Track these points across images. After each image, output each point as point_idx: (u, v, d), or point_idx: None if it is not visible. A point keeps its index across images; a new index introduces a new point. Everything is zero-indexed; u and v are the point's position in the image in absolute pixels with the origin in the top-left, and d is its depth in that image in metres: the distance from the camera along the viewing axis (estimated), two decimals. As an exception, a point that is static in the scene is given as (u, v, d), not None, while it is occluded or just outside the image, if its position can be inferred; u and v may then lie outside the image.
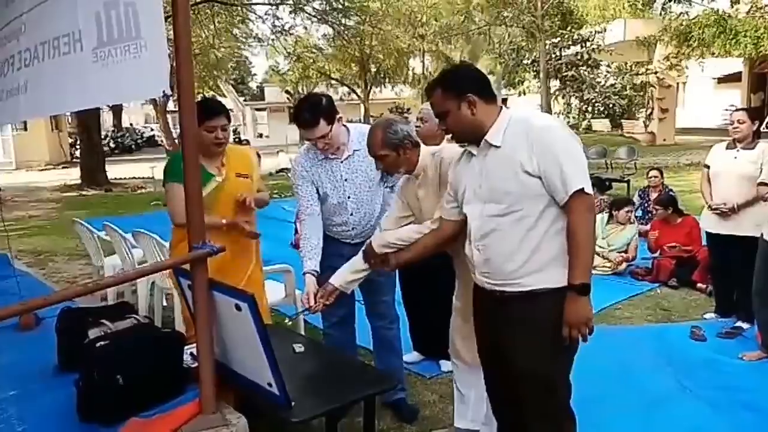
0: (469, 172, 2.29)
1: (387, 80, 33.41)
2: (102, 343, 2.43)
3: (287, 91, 35.71)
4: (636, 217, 7.67)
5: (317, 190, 3.13)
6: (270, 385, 2.30)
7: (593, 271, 5.75)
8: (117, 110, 36.96)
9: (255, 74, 50.16)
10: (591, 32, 18.68)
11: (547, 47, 17.12)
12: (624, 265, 6.09)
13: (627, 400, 3.48)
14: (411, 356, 4.02)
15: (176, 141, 28.96)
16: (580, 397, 2.37)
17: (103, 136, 32.40)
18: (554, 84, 17.58)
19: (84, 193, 15.45)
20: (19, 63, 2.73)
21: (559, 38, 17.08)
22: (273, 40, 23.46)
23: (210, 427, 2.29)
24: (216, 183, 3.10)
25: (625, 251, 6.18)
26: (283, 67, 34.35)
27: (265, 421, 2.55)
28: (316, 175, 3.11)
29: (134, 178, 18.20)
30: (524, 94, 21.65)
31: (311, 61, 30.58)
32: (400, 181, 2.90)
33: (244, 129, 39.25)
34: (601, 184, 7.51)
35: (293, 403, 2.26)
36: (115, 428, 2.27)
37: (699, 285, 5.47)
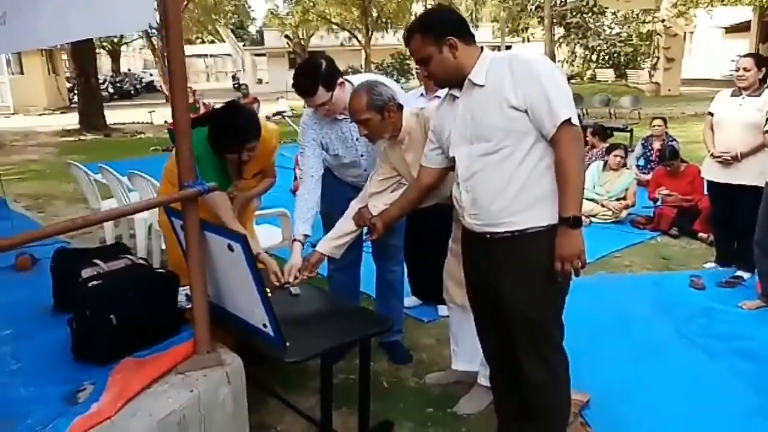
0: (453, 114, 2.23)
1: (389, 25, 32.76)
2: (95, 282, 2.39)
3: (287, 36, 35.07)
4: (638, 166, 7.62)
5: (327, 150, 3.04)
6: (264, 326, 2.28)
7: (594, 219, 5.93)
8: (115, 55, 36.50)
9: (255, 18, 49.20)
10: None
11: (552, -8, 16.74)
12: (625, 212, 6.06)
13: (622, 348, 3.49)
14: (409, 301, 4.02)
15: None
16: (575, 345, 2.36)
17: (101, 81, 32.14)
18: (559, 31, 17.19)
19: (82, 137, 15.33)
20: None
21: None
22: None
23: (204, 366, 2.27)
24: (233, 187, 3.01)
25: (624, 197, 6.14)
26: (282, 10, 33.68)
27: (262, 363, 2.55)
28: (326, 137, 3.01)
29: (133, 123, 18.03)
30: (528, 41, 21.23)
31: (311, 4, 29.93)
32: (382, 146, 2.80)
33: (243, 75, 38.69)
34: (602, 132, 7.41)
35: (288, 344, 2.25)
36: (109, 368, 2.25)
37: (700, 234, 5.46)
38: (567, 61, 17.14)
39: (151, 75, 37.29)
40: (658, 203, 5.97)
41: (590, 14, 18.53)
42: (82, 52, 16.32)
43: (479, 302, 2.42)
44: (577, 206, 2.05)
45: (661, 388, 3.08)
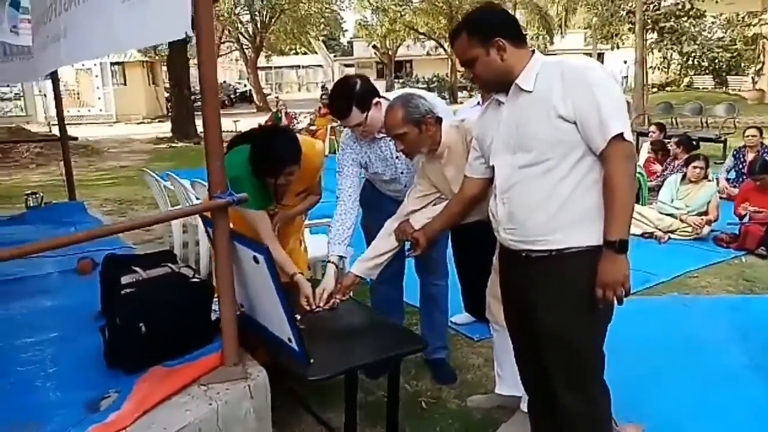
0: (497, 120, 2.10)
1: (475, 34, 32.41)
2: (128, 290, 2.43)
3: (374, 46, 35.50)
4: (728, 179, 7.13)
5: (366, 168, 2.99)
6: (290, 340, 2.24)
7: (672, 236, 5.57)
8: (211, 66, 38.02)
9: (346, 30, 50.07)
10: (695, -21, 17.31)
11: (645, -4, 16.01)
12: (707, 229, 5.66)
13: (689, 376, 3.22)
14: (461, 317, 3.90)
15: (266, 98, 29.62)
16: (637, 370, 2.17)
17: (197, 92, 33.61)
18: (651, 37, 16.41)
19: (173, 145, 16.05)
20: (60, 7, 2.74)
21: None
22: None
23: (228, 379, 2.25)
24: (274, 207, 2.99)
25: (706, 212, 5.73)
26: (370, 21, 34.08)
27: (292, 376, 2.51)
28: (365, 156, 2.95)
29: (223, 131, 18.63)
30: (617, 47, 20.45)
31: (398, 14, 30.13)
32: (418, 160, 2.69)
33: (331, 86, 39.42)
34: (687, 143, 6.95)
35: (312, 360, 2.20)
36: (137, 376, 2.27)
37: (791, 255, 5.00)
38: (659, 68, 16.32)
39: (245, 85, 38.67)
40: (745, 220, 5.53)
41: (686, 18, 17.61)
42: (177, 64, 17.12)
43: (515, 324, 2.28)
44: (624, 229, 1.88)
45: (724, 423, 2.81)
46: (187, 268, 2.97)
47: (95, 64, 25.11)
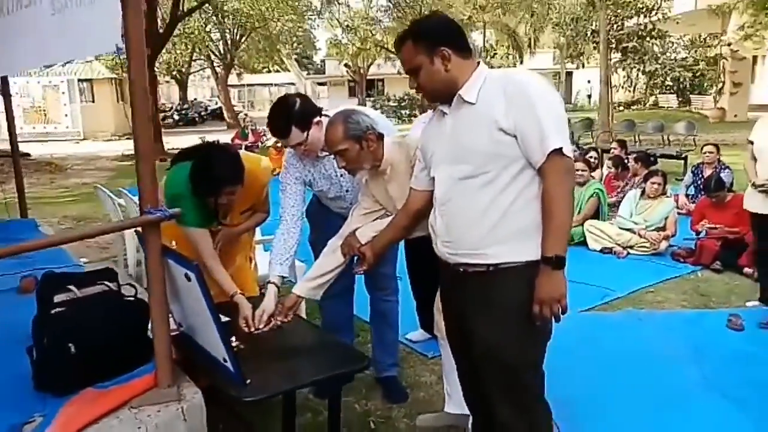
0: (439, 132, 2.07)
1: (445, 52, 32.72)
2: (58, 309, 2.34)
3: (346, 65, 35.61)
4: (687, 195, 7.23)
5: (311, 186, 2.95)
6: (225, 360, 2.17)
7: (631, 251, 5.59)
8: (182, 83, 37.83)
9: (320, 48, 50.20)
10: (657, 1, 17.68)
11: (608, 17, 16.27)
12: (664, 244, 5.70)
13: (641, 393, 3.19)
14: (416, 334, 3.84)
15: (237, 115, 29.46)
16: (588, 386, 2.13)
17: (168, 109, 33.33)
18: (615, 56, 16.72)
19: (139, 162, 15.78)
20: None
21: (620, 8, 16.22)
22: (324, 11, 23.31)
23: (160, 401, 2.17)
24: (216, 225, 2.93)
25: (664, 227, 5.77)
26: (341, 39, 34.24)
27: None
28: (309, 174, 2.90)
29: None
30: (582, 66, 20.79)
31: (369, 33, 30.28)
32: (361, 177, 2.65)
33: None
34: (645, 159, 7.03)
35: (248, 381, 2.13)
36: (66, 399, 2.17)
37: (746, 270, 5.06)
38: (623, 86, 16.58)
39: (216, 103, 38.49)
40: (702, 235, 5.59)
41: (649, 39, 17.99)
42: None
43: (454, 340, 2.24)
44: (561, 245, 1.86)
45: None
46: (129, 287, 2.88)
47: (62, 81, 24.78)
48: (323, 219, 3.06)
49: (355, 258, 2.64)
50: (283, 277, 2.74)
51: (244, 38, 29.55)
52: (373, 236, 2.52)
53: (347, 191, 2.92)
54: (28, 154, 6.42)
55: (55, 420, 2.05)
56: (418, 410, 3.04)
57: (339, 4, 24.12)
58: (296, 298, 2.61)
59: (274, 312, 2.58)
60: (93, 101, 26.59)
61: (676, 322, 4.15)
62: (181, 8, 16.46)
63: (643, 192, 6.10)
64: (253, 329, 2.55)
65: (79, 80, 25.83)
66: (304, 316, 3.78)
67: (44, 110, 25.29)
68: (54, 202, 9.94)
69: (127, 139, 23.85)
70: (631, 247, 5.75)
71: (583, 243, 6.02)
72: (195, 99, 43.27)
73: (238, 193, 2.74)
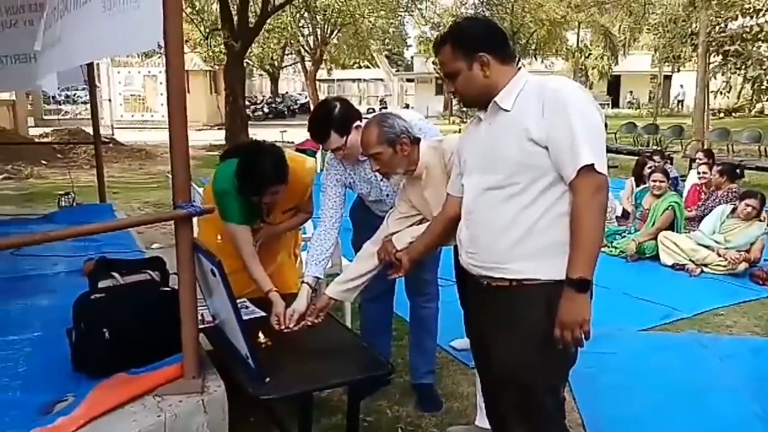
0: (474, 139, 2.02)
1: (538, 52, 32.04)
2: (97, 295, 2.44)
3: (434, 62, 35.49)
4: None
5: (352, 189, 2.95)
6: (247, 356, 2.20)
7: (705, 269, 5.25)
8: (274, 77, 38.90)
9: (411, 45, 50.24)
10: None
11: (709, 18, 15.37)
12: (743, 265, 5.30)
13: (690, 422, 3.00)
14: (462, 342, 3.75)
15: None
16: (635, 410, 2.02)
17: (259, 102, 34.35)
18: (715, 60, 15.78)
19: (233, 153, 16.34)
20: (58, 14, 2.81)
21: (724, 8, 15.24)
22: (413, 8, 23.30)
23: (183, 392, 2.23)
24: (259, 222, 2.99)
25: (747, 251, 5.37)
26: (430, 36, 34.11)
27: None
28: (350, 178, 2.90)
29: (277, 141, 19.02)
30: (678, 70, 19.76)
31: (459, 30, 30.01)
32: (400, 182, 2.61)
33: (390, 100, 39.72)
34: (731, 172, 6.58)
35: (267, 379, 2.15)
36: (98, 381, 2.27)
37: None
38: (722, 92, 15.62)
39: (306, 97, 39.31)
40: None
41: (755, 42, 16.85)
42: (233, 74, 17.51)
43: (475, 353, 2.18)
44: (587, 267, 1.76)
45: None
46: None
47: (160, 72, 25.98)
48: (366, 220, 3.05)
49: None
50: (318, 278, 2.74)
51: (333, 34, 29.98)
52: (410, 242, 2.49)
53: (387, 195, 2.90)
54: (108, 142, 6.89)
55: (84, 401, 2.13)
56: (450, 421, 2.98)
57: (425, 0, 24.02)
58: (328, 300, 2.61)
59: (305, 312, 2.59)
60: (188, 92, 27.66)
61: (741, 349, 3.87)
62: (272, 3, 16.87)
63: (733, 210, 5.69)
64: (283, 327, 2.57)
65: (176, 71, 27.02)
66: (349, 313, 3.82)
67: (143, 99, 26.65)
68: (139, 188, 10.45)
69: (218, 129, 24.79)
70: (705, 265, 5.40)
71: (656, 257, 5.73)
72: (286, 92, 44.33)
73: (281, 193, 2.78)
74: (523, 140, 1.81)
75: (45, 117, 23.30)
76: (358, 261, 2.65)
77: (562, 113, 1.76)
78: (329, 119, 2.67)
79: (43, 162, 12.55)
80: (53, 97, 24.79)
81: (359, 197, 3.11)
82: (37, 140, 15.15)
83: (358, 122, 2.69)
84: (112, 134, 18.82)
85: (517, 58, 2.03)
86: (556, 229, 1.82)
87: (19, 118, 16.81)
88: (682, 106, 31.09)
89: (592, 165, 1.74)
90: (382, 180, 2.83)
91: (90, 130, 6.18)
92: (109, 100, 22.49)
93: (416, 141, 2.47)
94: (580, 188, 1.76)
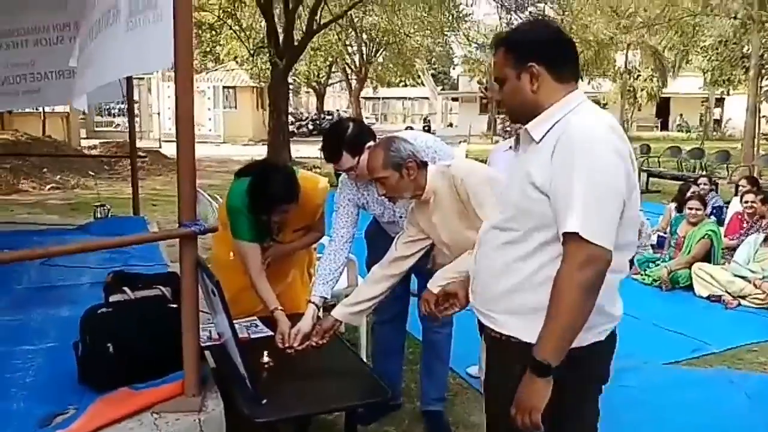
0: (510, 164, 1.95)
1: (585, 72, 31.62)
2: (104, 310, 2.48)
3: (479, 82, 35.45)
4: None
5: (365, 209, 2.94)
6: (244, 377, 2.20)
7: (743, 302, 5.03)
8: (320, 95, 39.41)
9: (457, 64, 50.25)
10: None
11: (761, 40, 14.95)
12: (783, 297, 5.07)
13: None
14: (477, 369, 3.69)
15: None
16: None
17: (304, 119, 34.83)
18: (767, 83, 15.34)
19: (265, 168, 16.60)
20: (93, 34, 2.89)
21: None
22: (459, 28, 23.39)
23: (181, 410, 2.23)
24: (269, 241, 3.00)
25: (785, 281, 5.14)
26: (475, 56, 34.07)
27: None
28: (363, 198, 2.89)
29: (316, 158, 19.22)
30: (728, 94, 19.22)
31: (503, 50, 29.92)
32: (406, 206, 2.59)
33: (434, 118, 39.83)
34: (766, 197, 6.33)
35: (264, 401, 2.14)
36: (101, 395, 2.29)
37: None
38: (773, 117, 15.21)
39: (351, 114, 39.66)
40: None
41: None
42: (277, 91, 17.83)
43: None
44: (555, 351, 1.53)
45: None
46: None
47: (208, 87, 26.64)
48: (380, 241, 3.02)
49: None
50: (324, 298, 2.73)
51: (379, 53, 30.26)
52: (447, 283, 2.27)
53: (400, 217, 2.88)
54: (144, 157, 7.20)
55: (84, 415, 2.16)
56: (457, 450, 2.92)
57: (468, 21, 24.08)
58: (334, 321, 2.59)
59: (310, 332, 2.58)
60: (235, 107, 28.36)
61: (773, 389, 3.69)
62: (317, 22, 17.14)
63: (766, 239, 5.50)
64: (287, 347, 2.57)
65: (223, 87, 27.64)
66: (364, 331, 3.78)
67: (191, 113, 27.28)
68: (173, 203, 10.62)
69: (263, 144, 25.20)
70: (743, 297, 5.19)
71: (690, 287, 5.54)
72: (336, 110, 44.87)
73: (292, 212, 2.79)
74: (525, 183, 1.63)
75: (96, 129, 24.07)
76: (367, 284, 2.63)
77: (568, 164, 1.54)
78: (342, 139, 2.68)
79: (90, 173, 12.92)
80: (107, 110, 25.68)
81: (374, 218, 3.10)
82: (84, 152, 15.63)
83: (371, 143, 2.68)
84: (160, 147, 19.29)
85: (578, 79, 1.76)
86: (547, 292, 1.57)
87: (72, 130, 17.42)
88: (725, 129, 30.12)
89: (577, 234, 1.50)
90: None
91: (140, 144, 6.33)
92: (158, 114, 23.08)
93: (423, 165, 2.44)
94: (566, 257, 1.53)
